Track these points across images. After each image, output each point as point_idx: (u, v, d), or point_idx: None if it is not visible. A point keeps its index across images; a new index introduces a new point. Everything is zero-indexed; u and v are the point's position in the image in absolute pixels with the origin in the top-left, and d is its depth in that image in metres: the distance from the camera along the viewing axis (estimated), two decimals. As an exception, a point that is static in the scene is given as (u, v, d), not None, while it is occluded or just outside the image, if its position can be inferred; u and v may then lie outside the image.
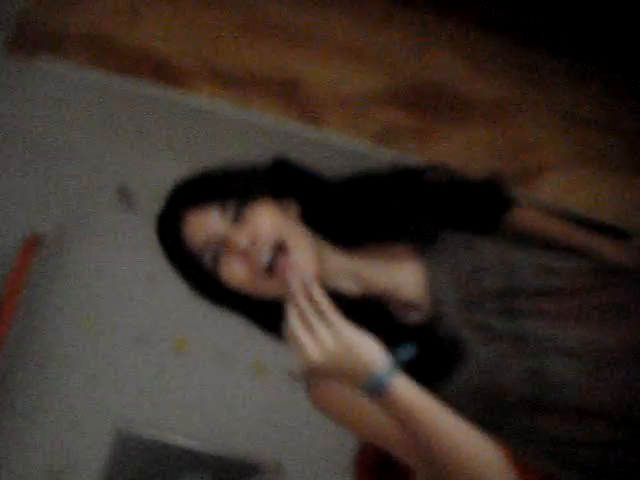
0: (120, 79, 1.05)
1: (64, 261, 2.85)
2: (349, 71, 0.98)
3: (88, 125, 2.74)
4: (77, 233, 2.84)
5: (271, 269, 0.99)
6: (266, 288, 1.02)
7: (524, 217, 1.14)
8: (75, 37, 0.93)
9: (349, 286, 1.07)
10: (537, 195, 0.89)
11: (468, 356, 0.98)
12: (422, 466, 1.00)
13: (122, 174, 2.83)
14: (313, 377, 1.02)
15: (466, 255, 1.07)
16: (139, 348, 2.86)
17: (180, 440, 2.84)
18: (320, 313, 0.94)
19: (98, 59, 0.93)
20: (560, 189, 0.90)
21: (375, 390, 0.92)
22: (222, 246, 1.03)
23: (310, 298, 0.95)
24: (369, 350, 0.92)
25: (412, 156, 1.00)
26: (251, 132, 2.45)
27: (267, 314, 1.06)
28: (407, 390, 0.92)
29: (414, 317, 1.03)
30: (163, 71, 1.00)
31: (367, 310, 1.03)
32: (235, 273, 1.02)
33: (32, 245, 2.69)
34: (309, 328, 0.94)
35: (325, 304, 0.94)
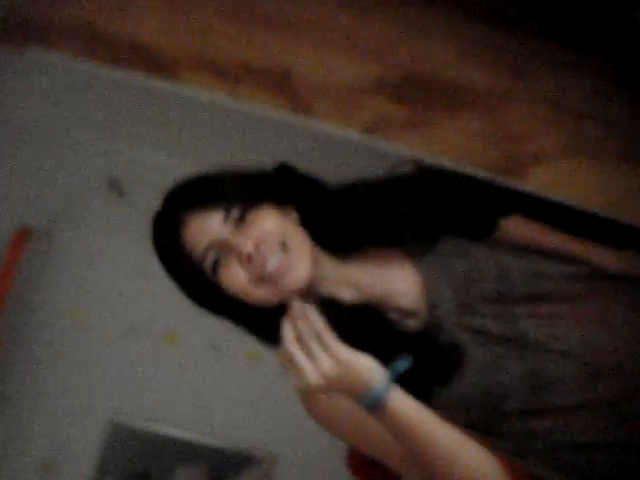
0: (110, 70, 1.04)
1: (55, 253, 2.84)
2: (340, 61, 0.97)
3: (78, 116, 2.73)
4: (68, 225, 2.83)
5: (273, 275, 0.99)
6: (266, 295, 1.02)
7: (516, 227, 1.14)
8: (65, 28, 0.92)
9: (346, 294, 1.07)
10: (528, 185, 0.89)
11: (467, 360, 0.99)
12: (419, 478, 1.01)
13: (113, 165, 2.82)
14: (310, 394, 1.02)
15: (461, 260, 1.08)
16: (131, 340, 2.86)
17: (173, 431, 2.84)
18: (317, 336, 0.94)
19: (88, 50, 0.92)
20: (552, 179, 0.90)
21: (373, 405, 0.94)
22: (223, 251, 1.01)
23: (307, 320, 0.95)
24: (365, 368, 0.94)
25: (403, 146, 1.00)
26: (242, 122, 2.45)
27: (263, 322, 1.06)
28: (404, 404, 0.94)
29: (411, 323, 1.03)
30: (153, 62, 0.99)
31: (364, 318, 1.04)
32: (236, 278, 1.01)
33: (22, 237, 2.68)
34: (306, 351, 0.94)
35: (322, 327, 0.94)
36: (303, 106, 0.99)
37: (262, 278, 1.00)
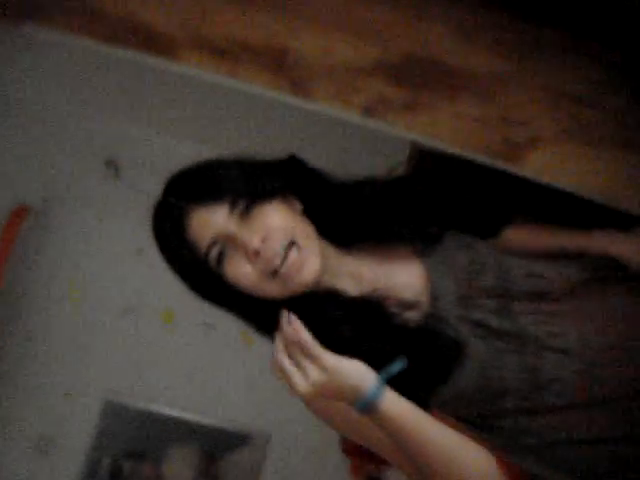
0: (108, 49, 1.03)
1: (51, 232, 2.84)
2: (339, 42, 0.97)
3: (76, 95, 2.72)
4: (64, 204, 2.83)
5: (279, 271, 0.98)
6: (276, 290, 1.01)
7: (517, 235, 1.14)
8: (63, 6, 0.92)
9: (349, 286, 1.07)
10: (525, 170, 0.89)
11: (467, 353, 0.99)
12: (415, 477, 1.02)
13: (110, 145, 2.82)
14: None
15: (464, 253, 1.08)
16: (127, 319, 2.87)
17: (168, 410, 2.86)
18: (302, 347, 0.94)
19: (86, 28, 0.91)
20: (549, 164, 0.90)
21: (364, 409, 0.94)
22: (228, 243, 1.00)
23: (292, 331, 0.95)
24: (355, 374, 0.94)
25: (401, 128, 1.00)
26: (240, 102, 2.44)
27: (266, 315, 1.05)
28: (395, 406, 0.95)
29: (412, 316, 1.03)
30: (151, 41, 0.98)
31: (365, 311, 1.04)
32: (242, 272, 1.00)
33: (19, 216, 2.68)
34: (295, 361, 0.94)
35: (305, 337, 0.94)
36: (300, 86, 0.98)
37: (272, 274, 0.99)
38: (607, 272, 1.08)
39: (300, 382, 0.94)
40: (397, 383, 0.96)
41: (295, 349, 0.94)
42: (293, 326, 0.94)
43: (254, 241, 0.98)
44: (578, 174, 0.87)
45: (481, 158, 1.08)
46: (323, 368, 0.93)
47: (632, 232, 1.10)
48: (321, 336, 1.03)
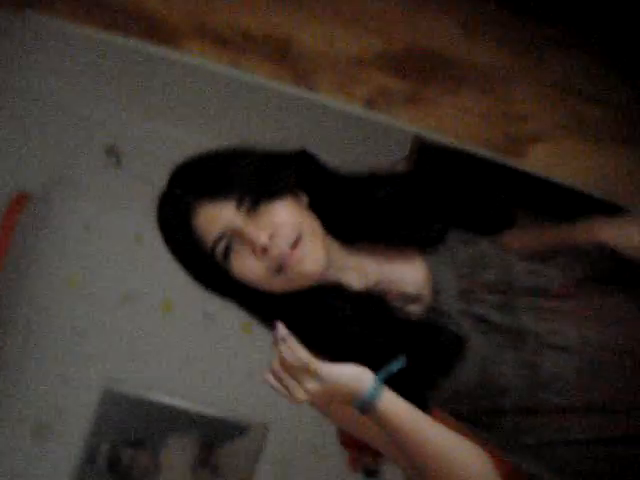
0: (111, 36, 1.03)
1: (51, 219, 2.84)
2: (342, 34, 0.96)
3: (77, 82, 2.71)
4: (65, 191, 2.83)
5: (285, 267, 0.98)
6: (281, 285, 1.01)
7: (514, 239, 1.13)
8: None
9: (353, 280, 1.07)
10: (527, 164, 0.90)
11: (468, 348, 0.99)
12: (413, 474, 1.03)
13: (111, 133, 2.81)
14: None
15: (467, 249, 1.08)
16: (126, 307, 2.87)
17: (166, 399, 2.86)
18: (301, 365, 0.94)
19: (89, 16, 0.91)
20: (549, 159, 0.90)
21: (363, 409, 0.95)
22: (234, 238, 1.00)
23: (284, 343, 0.95)
24: (352, 378, 0.95)
25: (402, 121, 1.00)
26: (242, 91, 2.43)
27: (270, 308, 1.05)
28: (393, 406, 0.95)
29: (414, 310, 1.03)
30: (154, 29, 0.98)
31: (368, 305, 1.04)
32: (248, 268, 1.00)
33: (19, 203, 2.68)
34: (292, 375, 0.95)
35: (303, 356, 0.95)
36: (304, 78, 0.98)
37: (277, 269, 0.99)
38: (609, 272, 1.07)
39: (297, 393, 0.95)
40: (399, 378, 0.96)
41: (290, 365, 0.95)
42: (288, 344, 0.94)
43: (262, 238, 0.97)
44: (579, 169, 0.87)
45: (482, 152, 1.08)
46: (319, 378, 0.94)
47: (616, 217, 1.09)
48: (324, 329, 1.03)
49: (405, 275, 1.07)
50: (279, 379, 0.95)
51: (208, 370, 2.88)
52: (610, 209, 1.05)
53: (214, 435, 2.89)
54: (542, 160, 0.89)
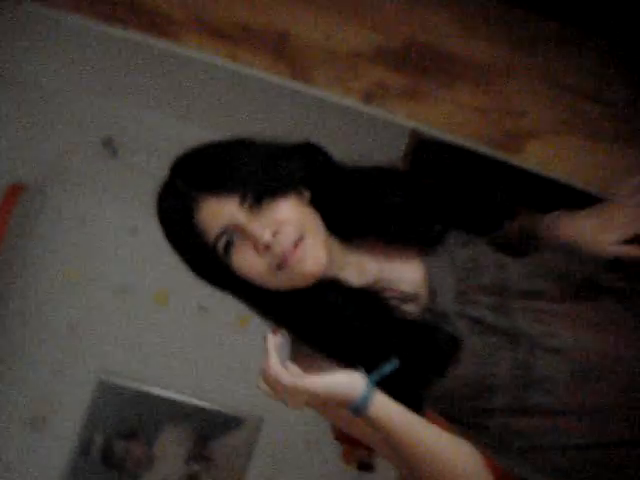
0: (108, 28, 1.03)
1: (47, 210, 2.83)
2: (339, 27, 0.96)
3: (74, 74, 2.70)
4: (61, 182, 2.82)
5: (286, 264, 0.98)
6: (282, 282, 1.01)
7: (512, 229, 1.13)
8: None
9: (352, 277, 1.06)
10: (523, 160, 0.90)
11: (462, 348, 0.99)
12: (406, 473, 1.04)
13: (107, 124, 2.80)
14: None
15: (464, 250, 1.08)
16: (121, 299, 2.87)
17: (161, 391, 2.87)
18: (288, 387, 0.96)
19: (87, 7, 0.91)
20: (545, 155, 0.90)
21: (356, 413, 0.96)
22: (236, 233, 0.99)
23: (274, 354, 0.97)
24: (344, 386, 0.96)
25: (400, 116, 1.00)
26: (239, 84, 2.43)
27: (270, 303, 1.05)
28: (385, 409, 0.97)
29: (411, 309, 1.03)
30: (152, 22, 0.98)
31: (365, 302, 1.04)
32: (249, 263, 0.99)
33: (14, 194, 2.67)
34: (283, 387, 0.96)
35: (287, 380, 0.96)
36: (301, 72, 0.98)
37: (278, 267, 0.98)
38: (606, 277, 1.07)
39: (290, 402, 0.96)
40: (393, 379, 0.97)
41: (280, 380, 0.96)
42: (274, 369, 0.96)
43: (265, 235, 0.96)
44: (575, 166, 0.88)
45: (479, 148, 1.08)
46: (311, 389, 0.95)
47: (579, 211, 1.09)
48: (321, 324, 1.03)
49: (403, 275, 1.07)
50: (273, 387, 0.97)
51: (203, 362, 2.88)
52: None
53: (208, 427, 2.89)
54: (538, 156, 0.89)
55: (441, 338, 0.99)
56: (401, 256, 1.08)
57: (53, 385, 2.84)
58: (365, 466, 2.78)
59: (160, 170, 1.08)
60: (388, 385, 0.97)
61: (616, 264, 1.06)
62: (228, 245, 0.99)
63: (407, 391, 0.98)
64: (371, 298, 1.03)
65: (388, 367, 0.97)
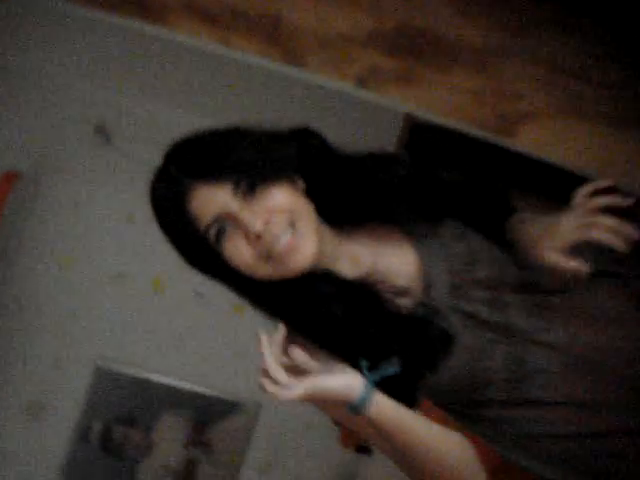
0: (100, 14, 1.02)
1: (41, 198, 2.83)
2: (333, 11, 0.95)
3: (67, 61, 2.69)
4: (55, 170, 2.81)
5: (275, 254, 0.98)
6: (271, 272, 1.00)
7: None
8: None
9: (345, 269, 1.06)
10: (518, 143, 0.89)
11: (456, 343, 1.00)
12: (404, 470, 1.05)
13: (100, 111, 2.79)
14: None
15: (459, 244, 1.07)
16: (118, 285, 2.87)
17: (159, 377, 2.87)
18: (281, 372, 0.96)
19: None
20: (541, 139, 0.90)
21: (355, 412, 0.96)
22: (228, 221, 0.98)
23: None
24: (342, 387, 0.96)
25: (394, 100, 0.99)
26: (232, 69, 2.42)
27: (260, 292, 1.05)
28: (383, 409, 0.98)
29: (404, 303, 1.03)
30: (143, 6, 0.97)
31: (359, 295, 1.03)
32: (239, 252, 0.99)
33: (8, 181, 2.66)
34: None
35: (297, 354, 0.97)
36: (293, 55, 0.97)
37: (268, 256, 0.98)
38: (603, 271, 1.07)
39: (288, 395, 0.97)
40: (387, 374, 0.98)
41: (277, 378, 0.97)
42: (271, 371, 0.97)
43: (257, 224, 0.96)
44: (571, 149, 0.87)
45: (474, 131, 1.08)
46: (310, 388, 0.96)
47: (536, 216, 1.08)
48: (314, 316, 1.03)
49: (397, 267, 1.07)
50: (271, 384, 0.98)
51: (200, 348, 2.89)
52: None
53: (206, 413, 2.90)
54: (533, 140, 0.89)
55: (434, 333, 1.00)
56: (395, 249, 1.08)
57: (51, 372, 2.84)
58: (363, 449, 2.79)
59: (154, 157, 1.08)
60: (383, 380, 0.97)
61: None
62: (220, 233, 0.98)
63: (401, 384, 0.99)
64: (364, 291, 1.03)
65: (389, 369, 0.97)
